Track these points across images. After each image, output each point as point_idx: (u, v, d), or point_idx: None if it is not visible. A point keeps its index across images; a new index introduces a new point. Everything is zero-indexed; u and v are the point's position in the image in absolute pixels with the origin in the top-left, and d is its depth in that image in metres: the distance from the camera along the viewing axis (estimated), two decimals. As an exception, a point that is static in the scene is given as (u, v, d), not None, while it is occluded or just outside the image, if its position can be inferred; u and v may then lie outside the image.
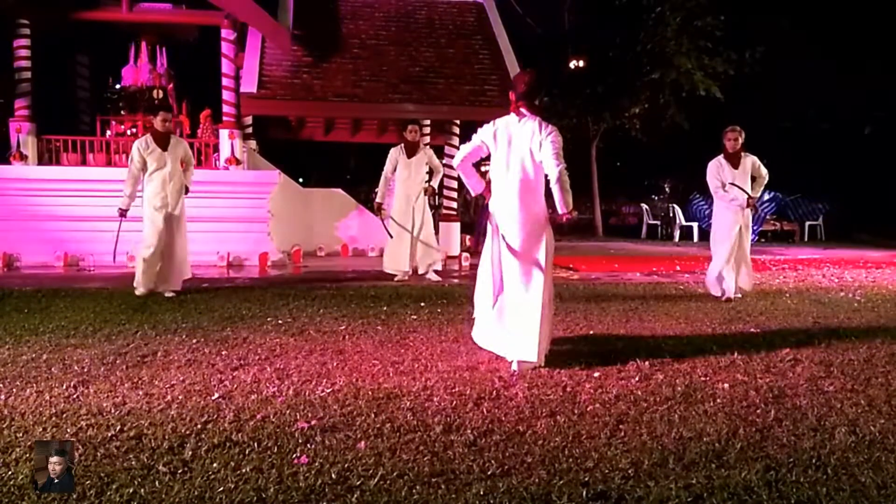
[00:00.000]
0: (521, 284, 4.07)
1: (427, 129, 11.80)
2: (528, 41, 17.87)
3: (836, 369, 3.98)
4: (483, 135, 4.22)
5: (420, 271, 8.35)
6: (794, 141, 21.18)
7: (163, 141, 6.81)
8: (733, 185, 6.68)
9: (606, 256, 12.21)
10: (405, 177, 8.12)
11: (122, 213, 6.82)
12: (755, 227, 16.39)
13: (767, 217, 17.01)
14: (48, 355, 4.19)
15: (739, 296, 6.83)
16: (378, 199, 8.26)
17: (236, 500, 2.25)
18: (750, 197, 6.71)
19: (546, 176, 4.07)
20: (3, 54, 10.48)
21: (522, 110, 4.11)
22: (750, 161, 6.78)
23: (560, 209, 4.03)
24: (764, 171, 6.82)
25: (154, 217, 6.72)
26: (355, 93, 10.91)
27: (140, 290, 6.65)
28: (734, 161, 6.73)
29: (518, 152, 4.08)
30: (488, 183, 4.27)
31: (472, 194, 4.44)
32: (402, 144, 8.23)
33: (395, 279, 8.11)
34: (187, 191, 7.02)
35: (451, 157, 9.84)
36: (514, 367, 3.96)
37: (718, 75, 17.46)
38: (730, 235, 6.75)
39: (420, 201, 8.16)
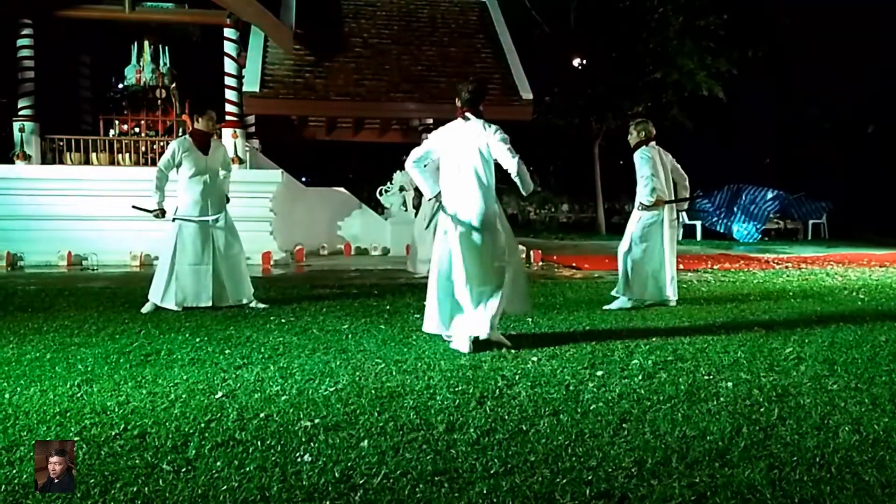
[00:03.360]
0: (477, 274, 4.38)
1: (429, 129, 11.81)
2: (532, 39, 17.86)
3: (840, 368, 3.97)
4: (433, 139, 4.52)
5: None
6: (798, 139, 21.16)
7: (204, 143, 6.08)
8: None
9: (609, 255, 12.15)
10: None
11: (162, 213, 6.03)
12: (758, 226, 16.39)
13: (771, 216, 16.97)
14: (52, 354, 4.20)
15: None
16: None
17: (240, 499, 2.26)
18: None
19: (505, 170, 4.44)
20: (6, 54, 10.51)
21: (467, 115, 4.45)
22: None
23: (523, 192, 4.48)
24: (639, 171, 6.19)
25: (191, 229, 5.96)
26: (357, 92, 10.93)
27: (161, 305, 5.85)
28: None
29: (467, 153, 4.40)
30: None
31: (427, 196, 4.65)
32: None
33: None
34: (227, 199, 6.29)
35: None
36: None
37: (721, 75, 17.43)
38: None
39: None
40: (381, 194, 12.24)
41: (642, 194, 6.21)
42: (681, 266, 9.92)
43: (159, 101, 11.22)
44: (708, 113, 19.17)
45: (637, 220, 6.28)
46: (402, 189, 7.89)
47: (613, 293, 6.33)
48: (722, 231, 16.93)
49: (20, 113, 10.33)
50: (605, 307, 6.16)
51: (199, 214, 6.02)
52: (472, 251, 4.37)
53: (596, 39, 18.73)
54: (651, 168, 6.15)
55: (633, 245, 6.25)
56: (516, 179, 4.41)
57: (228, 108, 10.75)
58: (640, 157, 6.23)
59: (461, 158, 4.41)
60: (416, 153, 4.59)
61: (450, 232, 4.44)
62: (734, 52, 17.54)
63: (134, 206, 6.48)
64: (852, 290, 7.37)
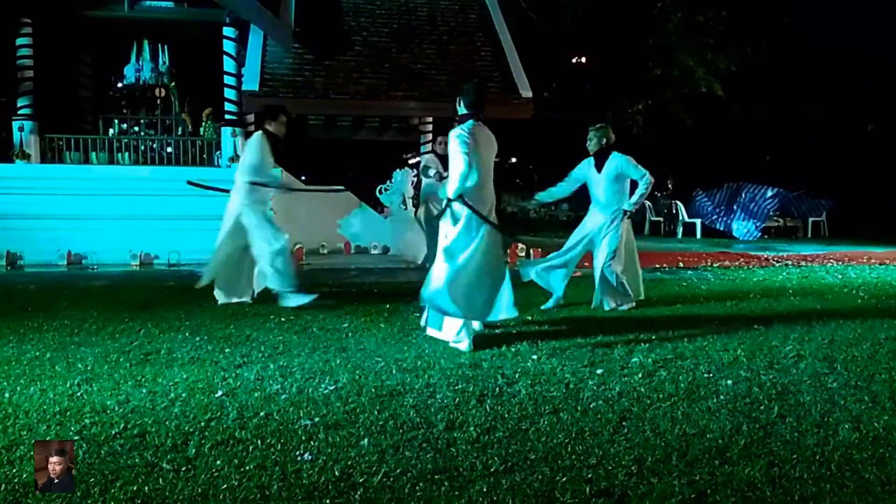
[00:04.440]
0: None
1: (429, 127, 11.82)
2: (531, 37, 17.83)
3: (840, 366, 3.97)
4: (471, 144, 4.47)
5: None
6: (797, 137, 21.14)
7: (275, 146, 6.01)
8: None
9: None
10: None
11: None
12: (757, 224, 16.39)
13: (771, 213, 16.96)
14: (52, 353, 4.20)
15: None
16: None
17: (240, 498, 2.26)
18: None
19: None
20: (6, 53, 10.50)
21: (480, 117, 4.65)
22: (612, 164, 5.98)
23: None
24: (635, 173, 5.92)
25: (250, 222, 5.99)
26: (357, 90, 10.91)
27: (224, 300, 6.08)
28: (598, 163, 6.06)
29: (491, 155, 4.68)
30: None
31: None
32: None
33: None
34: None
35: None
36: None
37: (720, 72, 17.42)
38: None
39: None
40: (380, 193, 12.22)
41: (630, 200, 5.92)
42: (680, 264, 9.95)
43: (159, 100, 11.21)
44: (707, 110, 19.16)
45: (621, 230, 5.94)
46: (426, 171, 7.99)
47: (607, 307, 5.96)
48: (721, 229, 16.92)
49: (20, 112, 10.32)
50: (610, 308, 6.06)
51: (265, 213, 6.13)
52: (491, 247, 4.59)
53: (595, 35, 18.72)
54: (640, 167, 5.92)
55: (622, 253, 5.97)
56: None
57: (228, 106, 10.74)
58: (624, 160, 5.90)
59: (488, 159, 4.63)
60: (469, 163, 4.44)
61: (473, 229, 4.50)
62: (733, 48, 17.54)
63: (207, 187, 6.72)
64: (852, 287, 7.37)
